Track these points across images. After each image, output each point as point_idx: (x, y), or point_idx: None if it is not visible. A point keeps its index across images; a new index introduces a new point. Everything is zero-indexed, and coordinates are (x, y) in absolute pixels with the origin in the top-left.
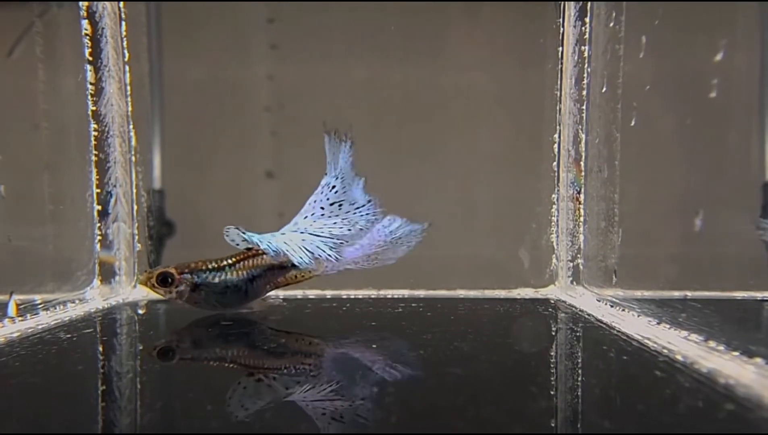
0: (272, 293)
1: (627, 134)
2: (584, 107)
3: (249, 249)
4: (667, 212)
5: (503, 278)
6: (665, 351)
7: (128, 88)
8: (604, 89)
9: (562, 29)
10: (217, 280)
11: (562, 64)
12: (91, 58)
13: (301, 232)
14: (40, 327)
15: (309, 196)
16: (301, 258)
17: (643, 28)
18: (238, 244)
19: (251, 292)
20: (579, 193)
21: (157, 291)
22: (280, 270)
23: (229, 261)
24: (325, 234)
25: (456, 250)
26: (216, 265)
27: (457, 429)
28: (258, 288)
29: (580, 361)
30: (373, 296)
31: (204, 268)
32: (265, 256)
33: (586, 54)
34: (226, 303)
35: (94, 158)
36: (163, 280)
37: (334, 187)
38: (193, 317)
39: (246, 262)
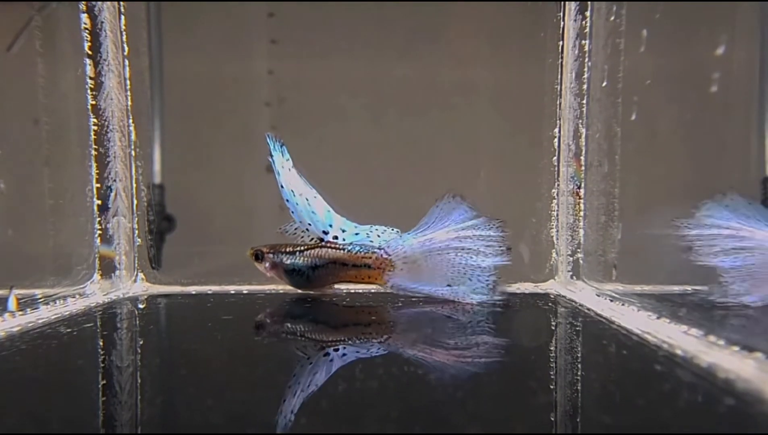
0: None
1: (627, 129)
2: (584, 102)
3: (321, 241)
4: (668, 207)
5: (503, 273)
6: (665, 345)
7: (128, 82)
8: (605, 84)
9: (562, 23)
10: (288, 262)
11: (562, 58)
12: (90, 53)
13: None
14: (40, 321)
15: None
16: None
17: (644, 22)
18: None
19: (313, 278)
20: (579, 187)
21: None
22: (342, 266)
23: (301, 248)
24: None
25: None
26: (292, 250)
27: (456, 424)
28: (320, 276)
29: (579, 355)
30: (372, 291)
31: (283, 250)
32: (329, 249)
33: (586, 48)
34: (294, 283)
35: (93, 153)
36: (256, 256)
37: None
38: (194, 315)
39: (312, 251)
